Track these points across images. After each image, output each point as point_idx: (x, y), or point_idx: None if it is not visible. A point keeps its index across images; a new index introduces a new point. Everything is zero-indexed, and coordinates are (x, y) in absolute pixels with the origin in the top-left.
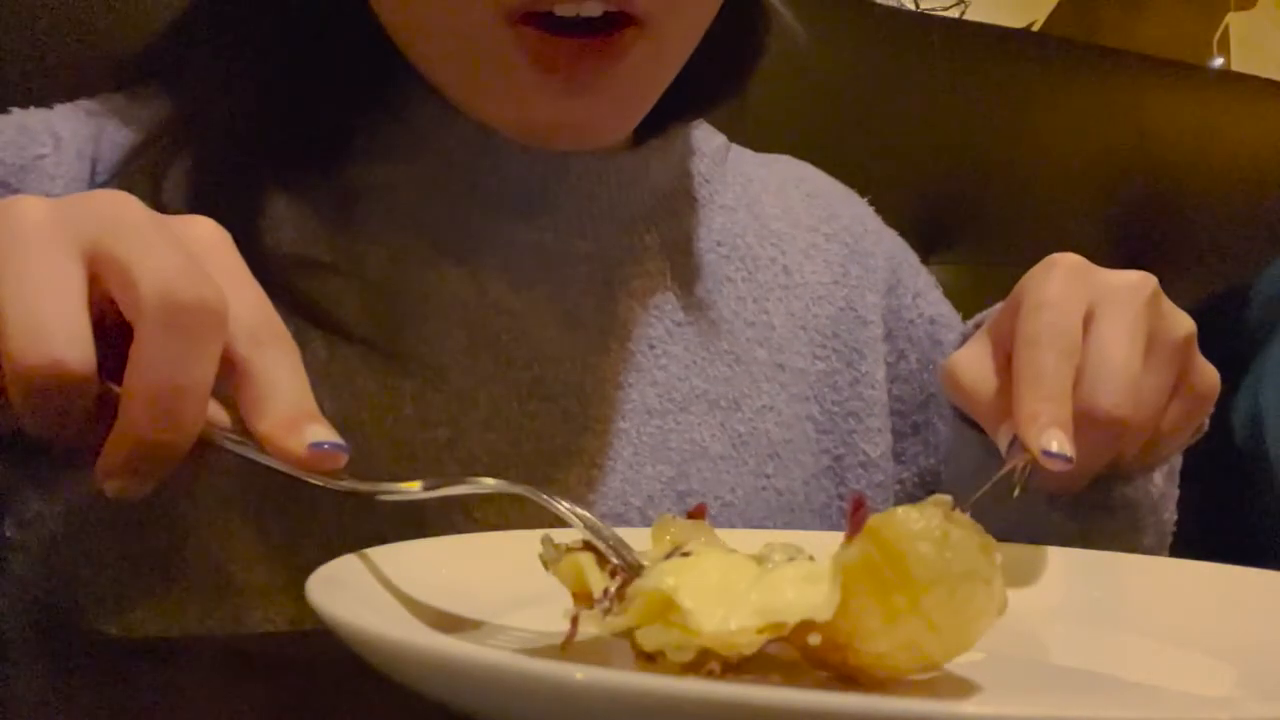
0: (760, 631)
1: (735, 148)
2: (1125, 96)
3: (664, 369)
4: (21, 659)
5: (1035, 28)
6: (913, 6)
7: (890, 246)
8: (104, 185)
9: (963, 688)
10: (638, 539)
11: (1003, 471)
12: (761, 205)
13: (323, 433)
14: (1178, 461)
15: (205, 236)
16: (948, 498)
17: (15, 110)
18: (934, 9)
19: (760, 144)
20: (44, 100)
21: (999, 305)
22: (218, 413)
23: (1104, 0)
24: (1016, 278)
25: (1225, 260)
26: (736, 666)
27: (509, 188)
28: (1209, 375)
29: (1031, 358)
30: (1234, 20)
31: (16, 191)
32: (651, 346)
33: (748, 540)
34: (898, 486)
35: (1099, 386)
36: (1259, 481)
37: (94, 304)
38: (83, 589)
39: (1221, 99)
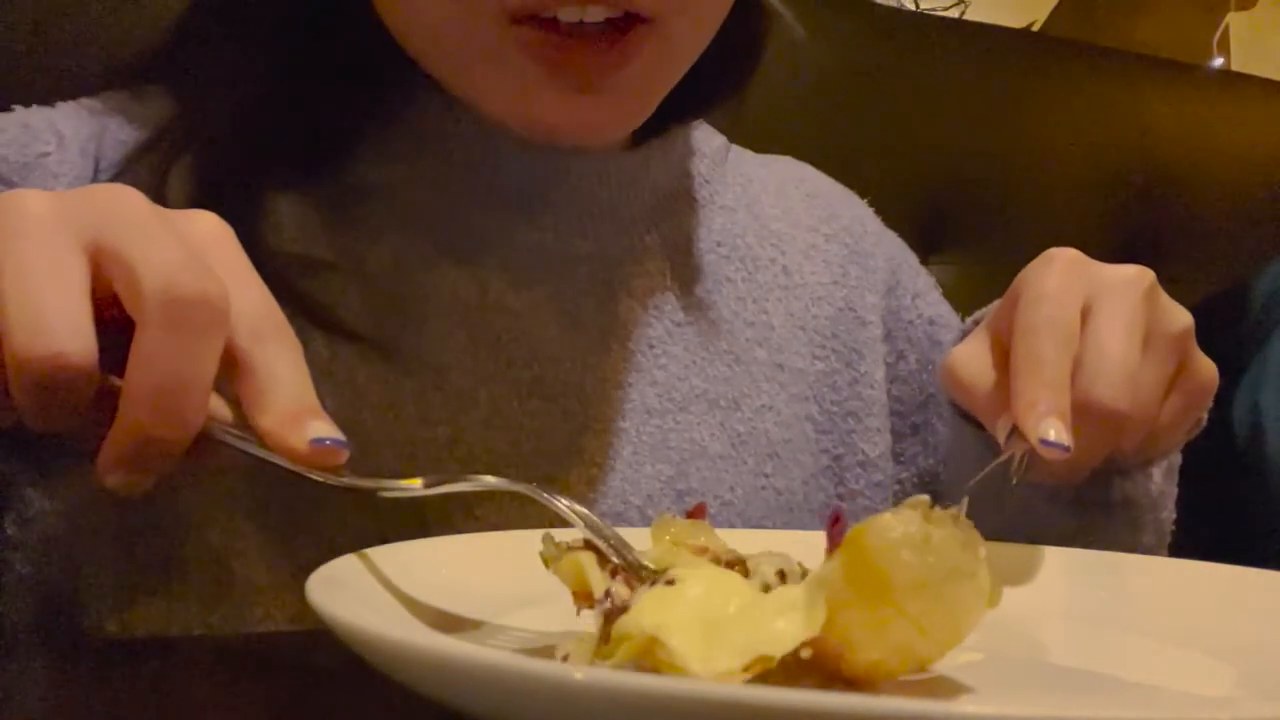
0: (747, 669)
1: (735, 148)
2: (1125, 96)
3: (664, 369)
4: (21, 659)
5: (1035, 28)
6: (913, 6)
7: (890, 247)
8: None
9: (962, 688)
10: (638, 538)
11: (1000, 460)
12: (761, 206)
13: (324, 428)
14: (1177, 460)
15: (207, 231)
16: (925, 498)
17: (18, 108)
18: (934, 9)
19: (760, 144)
20: (45, 99)
21: (998, 302)
22: (219, 408)
23: (1104, 0)
24: (1016, 277)
25: (1225, 259)
26: None
27: (510, 188)
28: (1207, 369)
29: (1030, 348)
30: (1234, 20)
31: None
32: (651, 346)
33: (748, 540)
34: (897, 487)
35: (1097, 378)
36: (1258, 480)
37: (96, 297)
38: (84, 586)
39: (1221, 99)
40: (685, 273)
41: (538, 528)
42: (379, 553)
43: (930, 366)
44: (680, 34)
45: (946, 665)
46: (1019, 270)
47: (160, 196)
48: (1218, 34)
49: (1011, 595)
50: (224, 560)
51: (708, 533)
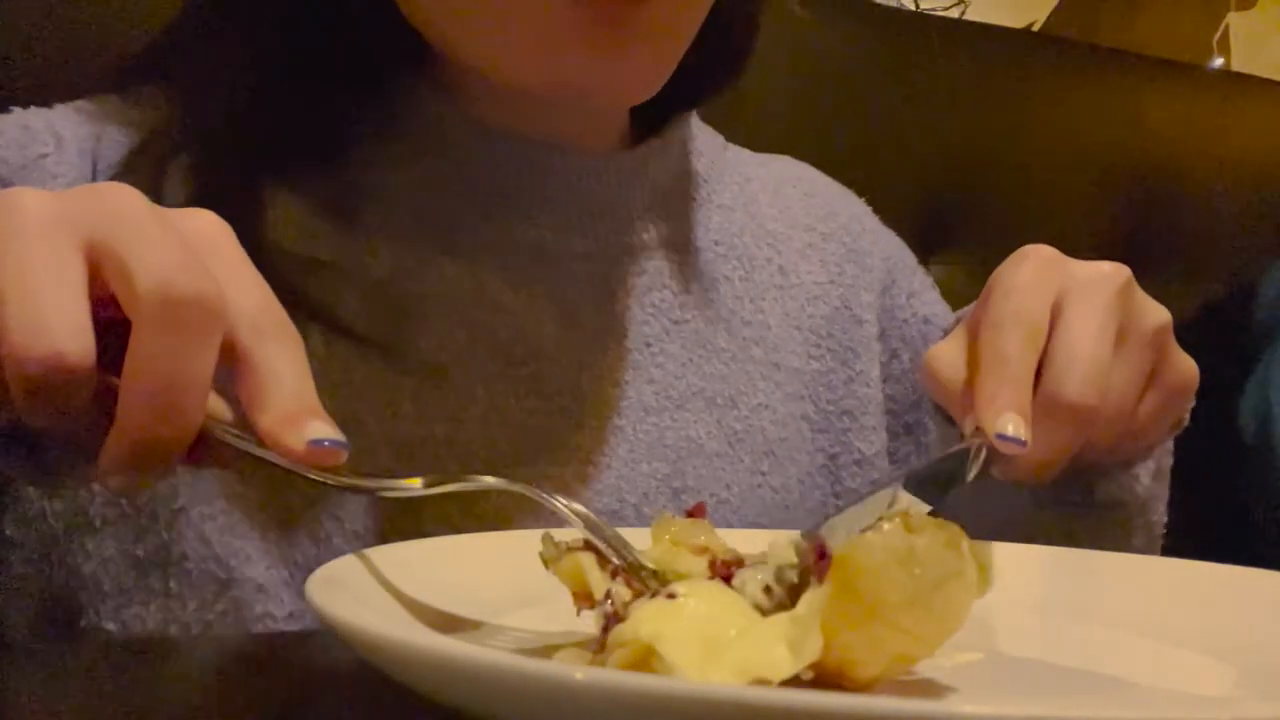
0: None
1: (733, 148)
2: (1125, 96)
3: (660, 367)
4: (20, 659)
5: (1035, 28)
6: (913, 6)
7: (887, 246)
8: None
9: (961, 688)
10: (638, 538)
11: (953, 450)
12: (759, 205)
13: (324, 429)
14: (1166, 462)
15: (206, 229)
16: (905, 503)
17: (16, 110)
18: (934, 9)
19: (760, 143)
20: (43, 101)
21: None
22: (219, 407)
23: (1104, 0)
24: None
25: (1225, 260)
26: None
27: (508, 186)
28: (1186, 366)
29: (993, 341)
30: (1234, 20)
31: None
32: (648, 344)
33: (748, 540)
34: None
35: (1065, 374)
36: (1266, 477)
37: (95, 297)
38: (83, 586)
39: (1221, 99)
40: (682, 271)
41: (535, 524)
42: (379, 553)
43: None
44: None
45: (947, 665)
46: None
47: (158, 196)
48: (1218, 34)
49: (1011, 595)
50: (222, 559)
51: (708, 532)
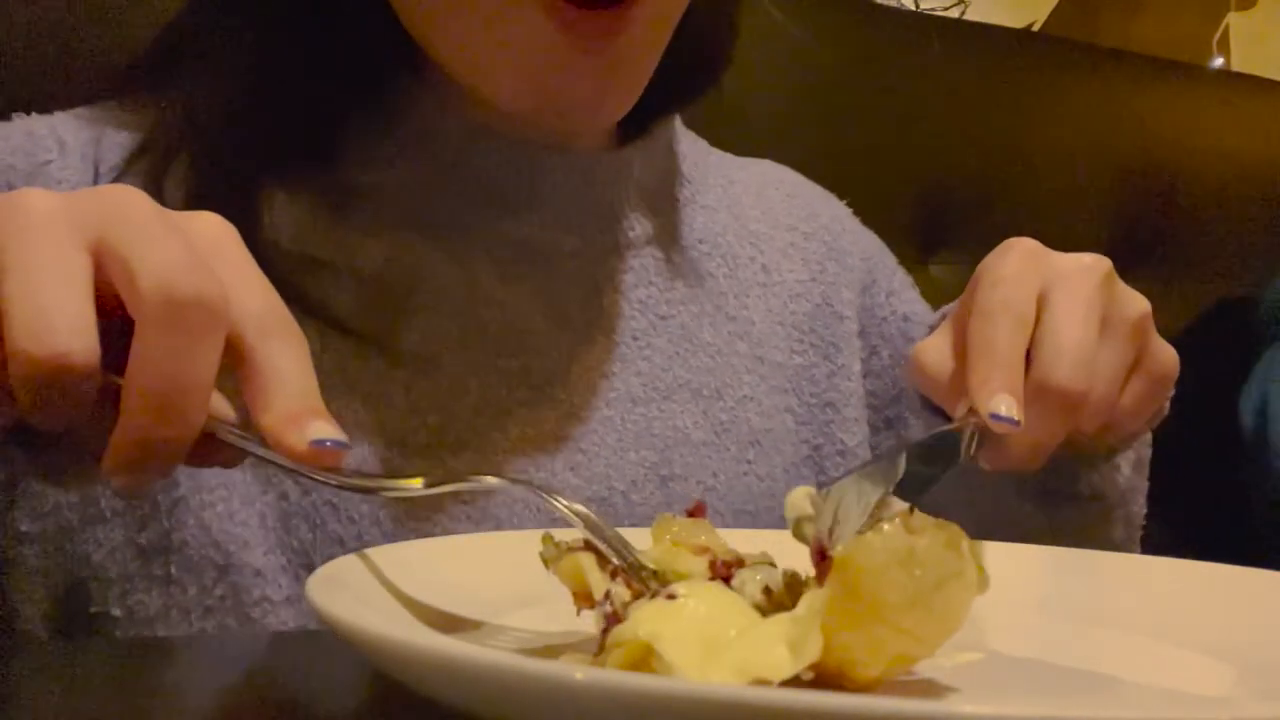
0: None
1: (717, 152)
2: (1125, 96)
3: (648, 359)
4: (33, 655)
5: (1035, 28)
6: (913, 6)
7: (867, 246)
8: None
9: (961, 688)
10: (638, 538)
11: (948, 428)
12: (742, 206)
13: (326, 429)
14: (1145, 454)
15: (211, 231)
16: (904, 505)
17: (18, 116)
18: (934, 9)
19: (760, 143)
20: (40, 109)
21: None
22: (222, 407)
23: (1104, 0)
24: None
25: (1224, 259)
26: None
27: (498, 185)
28: (1167, 355)
29: (983, 329)
30: (1234, 20)
31: None
32: (636, 338)
33: (749, 541)
34: None
35: (1054, 360)
36: (1265, 475)
37: (100, 297)
38: (93, 574)
39: (1221, 99)
40: (668, 268)
41: (527, 513)
42: (379, 553)
43: (902, 362)
44: (663, 6)
45: (947, 665)
46: None
47: (159, 197)
48: (1218, 34)
49: (1011, 596)
50: (221, 545)
51: (708, 532)
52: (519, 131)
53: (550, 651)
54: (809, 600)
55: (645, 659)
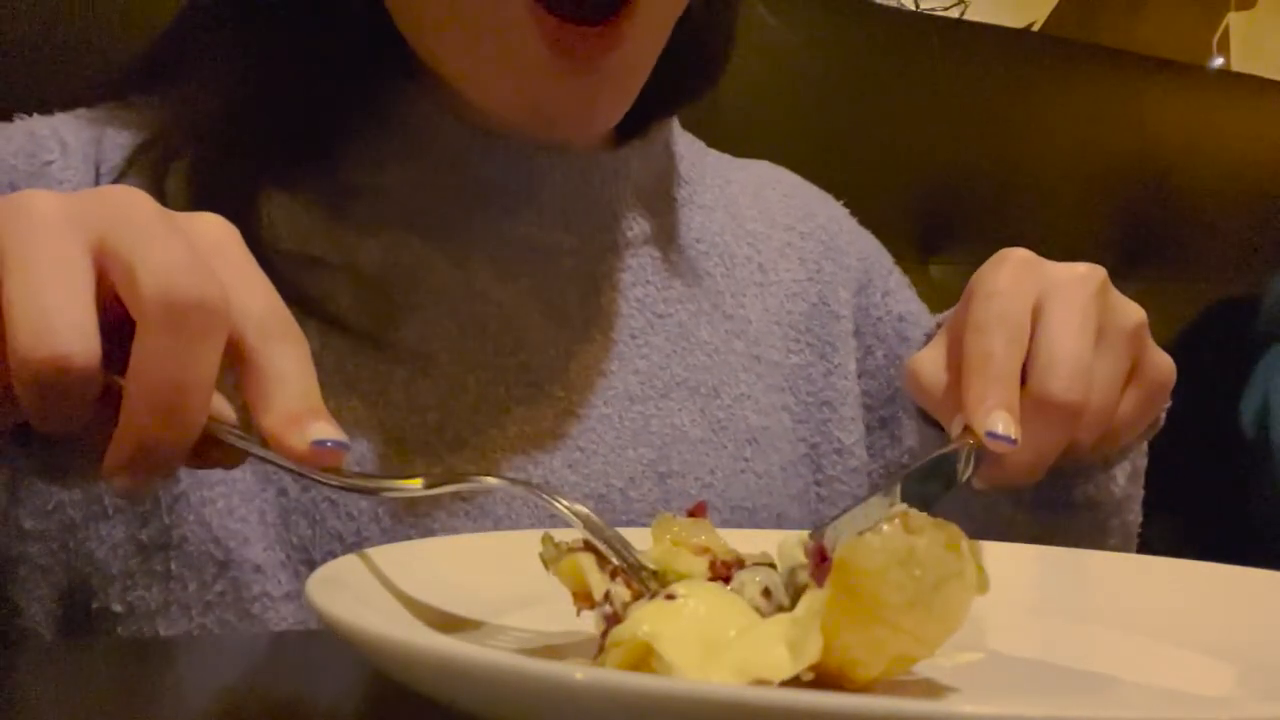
0: None
1: (714, 153)
2: (1125, 96)
3: (645, 358)
4: (28, 658)
5: (1035, 28)
6: (913, 6)
7: (864, 247)
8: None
9: (961, 688)
10: (639, 539)
11: (944, 450)
12: (739, 206)
13: (326, 430)
14: (1141, 463)
15: (212, 232)
16: (903, 506)
17: (20, 117)
18: (934, 9)
19: (760, 144)
20: (41, 110)
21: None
22: (223, 408)
23: (1104, 0)
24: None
25: (1224, 259)
26: None
27: (497, 184)
28: (1163, 364)
29: (979, 344)
30: (1234, 20)
31: None
32: (633, 336)
33: (748, 541)
34: (867, 479)
35: (1050, 373)
36: (1265, 476)
37: (103, 298)
38: (94, 571)
39: (1221, 99)
40: (665, 267)
41: (526, 510)
42: (379, 553)
43: (898, 361)
44: (658, 17)
45: (947, 665)
46: None
47: (160, 197)
48: (1218, 34)
49: (1011, 596)
50: (221, 541)
51: (709, 532)
52: (516, 132)
53: (550, 651)
54: (808, 601)
55: (645, 659)
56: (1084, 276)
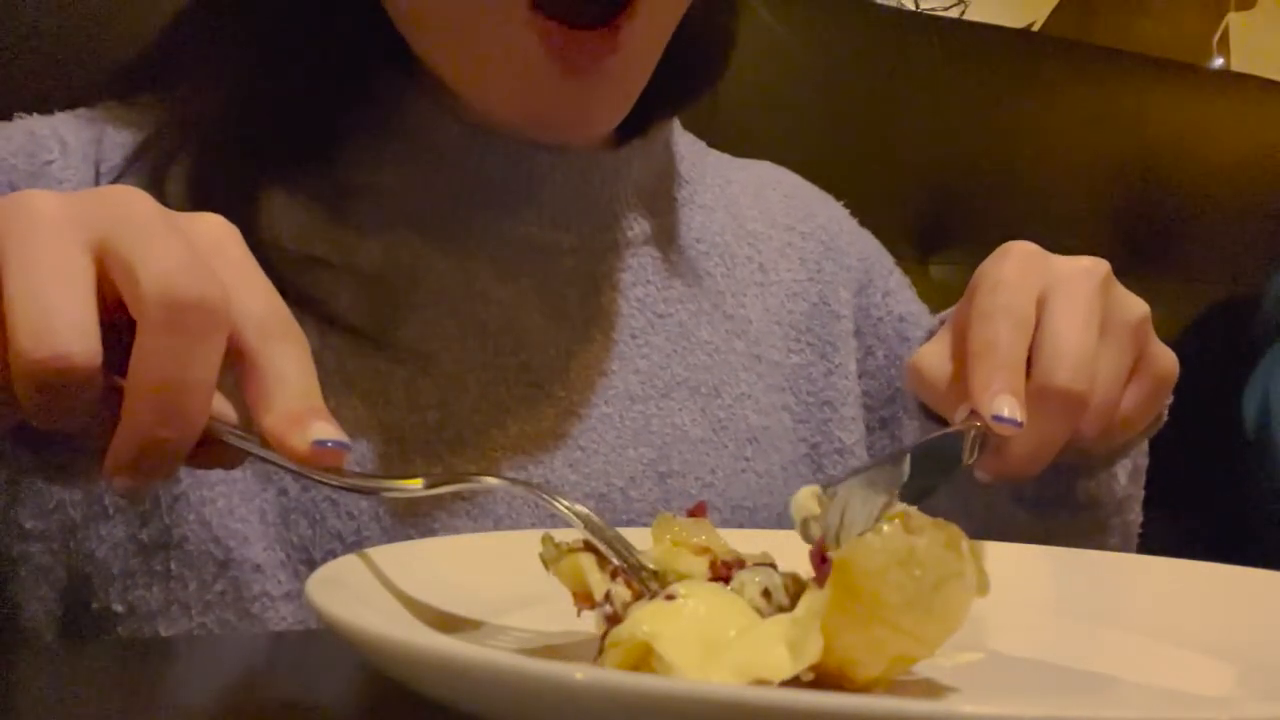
0: None
1: (714, 153)
2: (1125, 96)
3: (646, 358)
4: (37, 653)
5: (1035, 28)
6: (913, 6)
7: (864, 247)
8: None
9: (961, 688)
10: (639, 539)
11: (949, 430)
12: (739, 206)
13: (327, 430)
14: (1142, 463)
15: (213, 232)
16: (903, 506)
17: (20, 117)
18: (934, 9)
19: (760, 144)
20: (41, 110)
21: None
22: (224, 408)
23: (1104, 0)
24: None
25: (1224, 259)
26: None
27: (497, 184)
28: (1167, 359)
29: (984, 332)
30: (1234, 20)
31: None
32: (634, 336)
33: (749, 540)
34: None
35: (1055, 363)
36: (1266, 475)
37: (104, 298)
38: (95, 570)
39: (1221, 99)
40: (666, 267)
41: (526, 510)
42: (379, 553)
43: (898, 362)
44: (657, 20)
45: (947, 665)
46: None
47: (160, 197)
48: (1218, 34)
49: (1011, 596)
50: (221, 540)
51: (709, 532)
52: (516, 132)
53: (550, 651)
54: (809, 601)
55: (645, 659)
56: (1088, 269)
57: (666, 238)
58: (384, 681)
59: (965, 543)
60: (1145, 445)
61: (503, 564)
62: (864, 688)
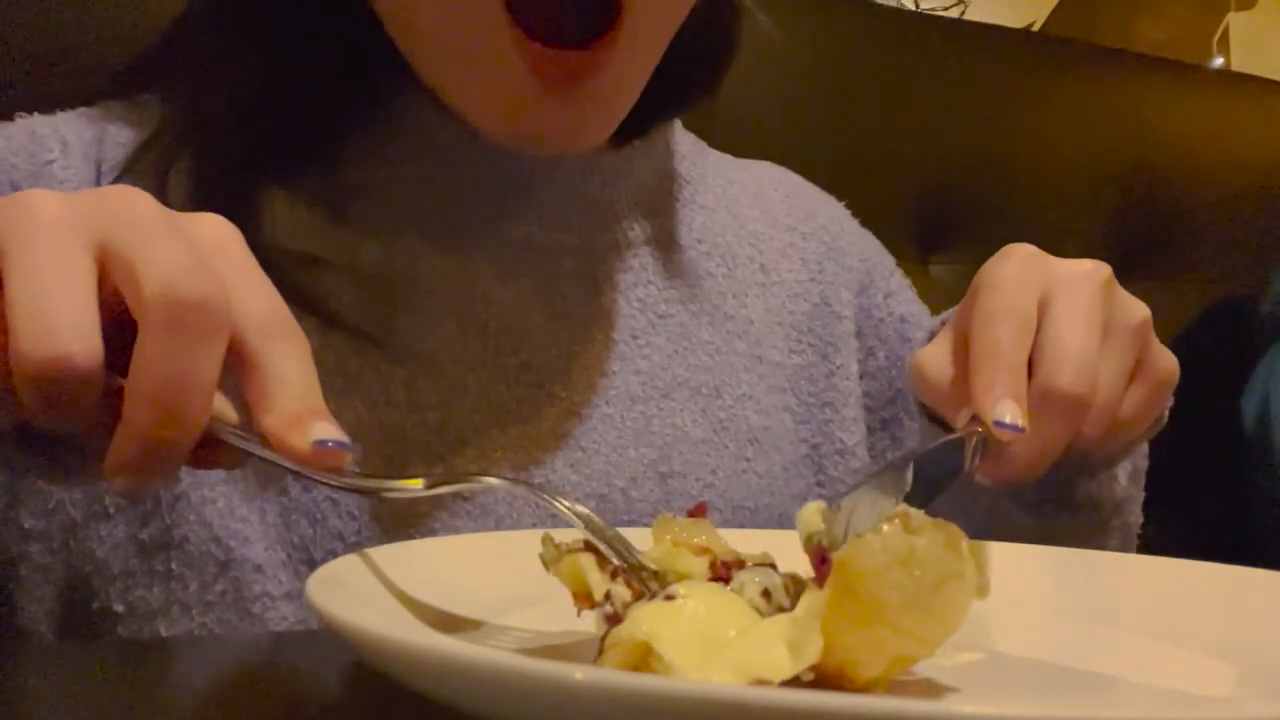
0: None
1: (715, 153)
2: (1125, 96)
3: (647, 358)
4: (37, 653)
5: (1035, 28)
6: (913, 6)
7: (866, 248)
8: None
9: (961, 688)
10: (639, 539)
11: (951, 436)
12: (740, 207)
13: (328, 430)
14: (1142, 464)
15: (214, 233)
16: (903, 506)
17: (21, 116)
18: (934, 9)
19: (760, 143)
20: (42, 109)
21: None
22: (224, 408)
23: (1104, 0)
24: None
25: (1224, 260)
26: None
27: (498, 185)
28: (1167, 361)
29: (986, 335)
30: (1234, 20)
31: None
32: (635, 337)
33: (748, 541)
34: None
35: (1058, 366)
36: (1266, 475)
37: (105, 299)
38: (96, 571)
39: (1221, 99)
40: (667, 267)
41: (527, 510)
42: (379, 553)
43: (899, 363)
44: (645, 37)
45: (947, 665)
46: None
47: (161, 197)
48: (1218, 34)
49: (1011, 596)
50: (222, 540)
51: (709, 532)
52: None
53: (550, 651)
54: (809, 601)
55: (644, 659)
56: (1089, 272)
57: (667, 238)
58: (384, 681)
59: (965, 543)
60: (1145, 447)
61: (503, 564)
62: (864, 688)
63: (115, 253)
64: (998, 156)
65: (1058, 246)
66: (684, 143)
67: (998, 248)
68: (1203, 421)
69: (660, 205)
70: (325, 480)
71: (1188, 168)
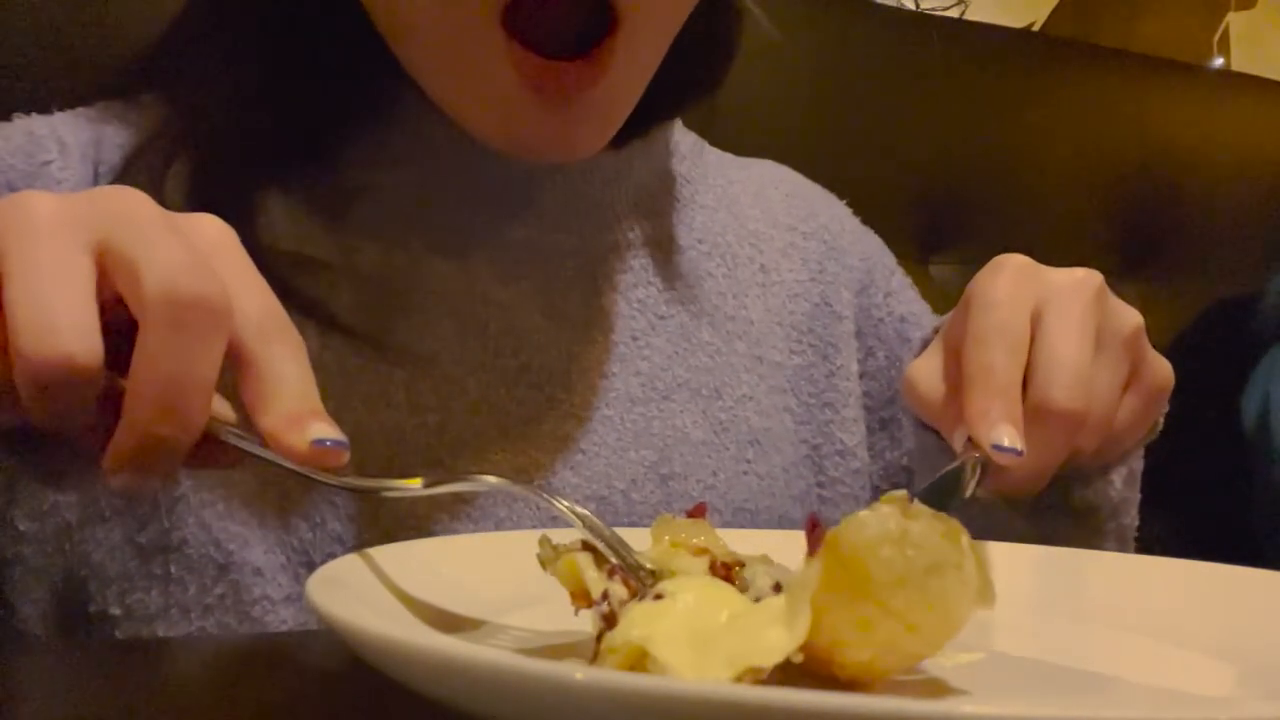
0: (738, 679)
1: (715, 152)
2: (1125, 96)
3: (647, 359)
4: (33, 655)
5: (1035, 28)
6: (913, 6)
7: (866, 247)
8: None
9: (961, 688)
10: (638, 539)
11: (951, 466)
12: (740, 206)
13: (326, 430)
14: (1138, 466)
15: (212, 234)
16: (903, 493)
17: (19, 117)
18: (934, 9)
19: (760, 143)
20: (40, 109)
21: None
22: (223, 408)
23: (1104, 0)
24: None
25: (1224, 259)
26: None
27: (497, 187)
28: (1162, 369)
29: (980, 356)
30: (1234, 20)
31: None
32: (635, 338)
33: (747, 541)
34: (868, 479)
35: (1051, 381)
36: (1266, 475)
37: (104, 299)
38: (93, 574)
39: (1221, 99)
40: (667, 268)
41: (526, 511)
42: (379, 553)
43: (899, 363)
44: (643, 45)
45: (947, 665)
46: None
47: (159, 198)
48: (1218, 34)
49: (1011, 596)
50: (221, 543)
51: (708, 532)
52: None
53: (550, 651)
54: (800, 574)
55: (640, 663)
56: (1081, 282)
57: (667, 239)
58: (384, 681)
59: (965, 538)
60: (1140, 450)
61: (502, 564)
62: (854, 674)
63: (115, 252)
64: (998, 156)
65: (1057, 246)
66: (684, 142)
67: (998, 248)
68: (1203, 422)
69: (660, 206)
70: (324, 480)
71: (1188, 167)
